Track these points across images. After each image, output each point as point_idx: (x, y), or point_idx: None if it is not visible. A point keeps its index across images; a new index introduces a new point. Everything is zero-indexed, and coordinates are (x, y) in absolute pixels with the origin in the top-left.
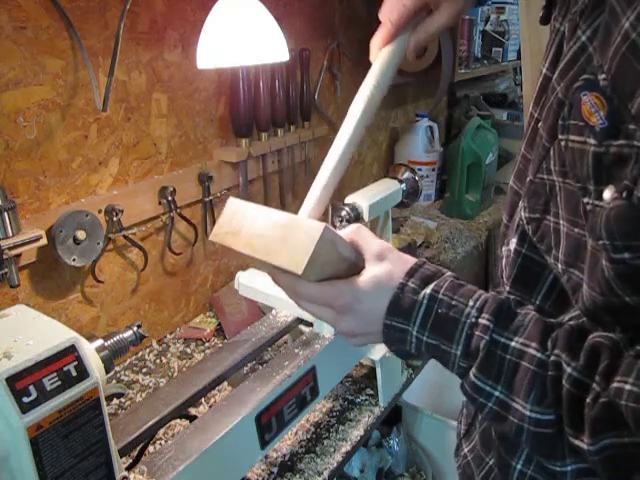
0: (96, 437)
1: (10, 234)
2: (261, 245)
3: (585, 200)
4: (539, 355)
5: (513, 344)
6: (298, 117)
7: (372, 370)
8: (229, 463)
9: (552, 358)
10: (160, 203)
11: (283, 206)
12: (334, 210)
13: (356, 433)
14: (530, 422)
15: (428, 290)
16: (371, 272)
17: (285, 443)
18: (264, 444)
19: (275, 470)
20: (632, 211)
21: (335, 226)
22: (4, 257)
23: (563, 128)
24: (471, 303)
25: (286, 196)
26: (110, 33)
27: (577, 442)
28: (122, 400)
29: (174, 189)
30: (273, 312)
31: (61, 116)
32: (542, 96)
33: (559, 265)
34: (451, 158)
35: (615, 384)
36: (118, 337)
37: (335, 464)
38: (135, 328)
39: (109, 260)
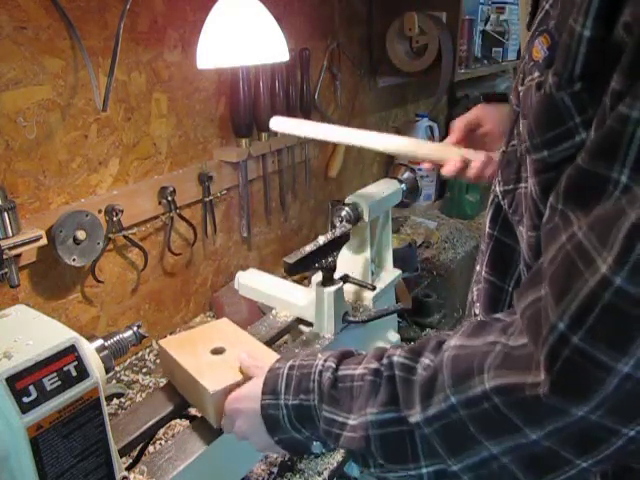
0: (96, 437)
1: (10, 234)
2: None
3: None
4: (374, 366)
5: (357, 372)
6: (298, 117)
7: None
8: (229, 463)
9: (384, 361)
10: (160, 203)
11: (283, 206)
12: (334, 210)
13: None
14: (373, 426)
15: (288, 364)
16: (242, 389)
17: None
18: None
19: (275, 470)
20: (543, 103)
21: (335, 226)
22: (4, 257)
23: (522, 80)
24: (319, 355)
25: (286, 196)
26: (110, 33)
27: (412, 419)
28: (122, 400)
29: (174, 189)
30: (273, 312)
31: (61, 116)
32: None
33: (527, 233)
34: None
35: (443, 346)
36: (118, 337)
37: (335, 464)
38: (135, 328)
39: (109, 260)
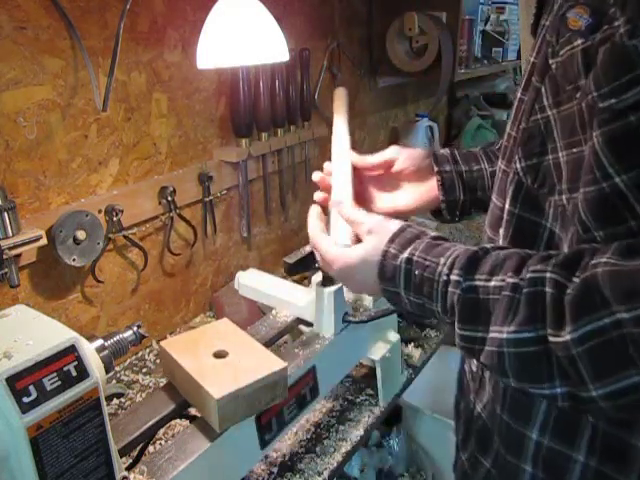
0: (96, 437)
1: (10, 234)
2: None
3: (578, 95)
4: (513, 281)
5: (492, 284)
6: (298, 117)
7: (372, 370)
8: (229, 463)
9: (528, 275)
10: (160, 203)
11: (283, 206)
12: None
13: (356, 433)
14: (509, 344)
15: (405, 254)
16: (357, 250)
17: (285, 443)
18: (264, 444)
19: (275, 470)
20: (613, 53)
21: None
22: (4, 257)
23: (553, 53)
24: (442, 261)
25: (286, 196)
26: (110, 33)
27: (560, 339)
28: (122, 400)
29: (174, 189)
30: (273, 312)
31: (61, 116)
32: (529, 81)
33: (564, 198)
34: None
35: (591, 262)
36: (118, 337)
37: (335, 464)
38: (135, 328)
39: (109, 260)
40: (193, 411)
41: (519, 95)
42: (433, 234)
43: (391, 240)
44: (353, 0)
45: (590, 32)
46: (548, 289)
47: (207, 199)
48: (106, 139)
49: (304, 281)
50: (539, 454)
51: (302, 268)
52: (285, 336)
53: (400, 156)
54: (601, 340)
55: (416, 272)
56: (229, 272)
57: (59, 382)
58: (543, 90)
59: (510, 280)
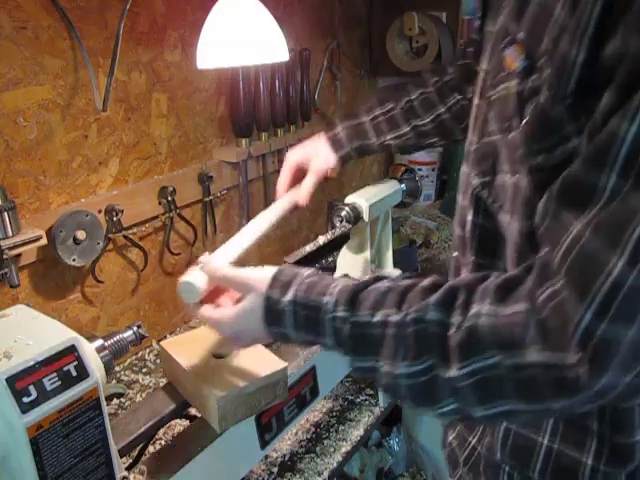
0: (96, 437)
1: (10, 234)
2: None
3: (511, 135)
4: (397, 318)
5: (375, 319)
6: (298, 117)
7: None
8: (229, 463)
9: (410, 316)
10: (160, 203)
11: None
12: (334, 210)
13: (356, 433)
14: (402, 377)
15: (288, 297)
16: (241, 304)
17: (285, 443)
18: (264, 444)
19: (275, 470)
20: (541, 113)
21: (335, 226)
22: (4, 257)
23: (490, 86)
24: (326, 299)
25: None
26: (110, 33)
27: (448, 374)
28: (122, 400)
29: (174, 189)
30: None
31: (61, 116)
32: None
33: (507, 217)
34: (451, 158)
35: (473, 310)
36: (118, 337)
37: (335, 464)
38: (135, 328)
39: (109, 260)
40: (193, 411)
41: (475, 101)
42: (308, 272)
43: (271, 285)
44: (353, 0)
45: (525, 75)
46: (431, 329)
47: (207, 199)
48: (106, 139)
49: None
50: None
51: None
52: None
53: (304, 158)
54: (483, 376)
55: (302, 313)
56: None
57: (59, 382)
58: (489, 116)
59: (394, 318)
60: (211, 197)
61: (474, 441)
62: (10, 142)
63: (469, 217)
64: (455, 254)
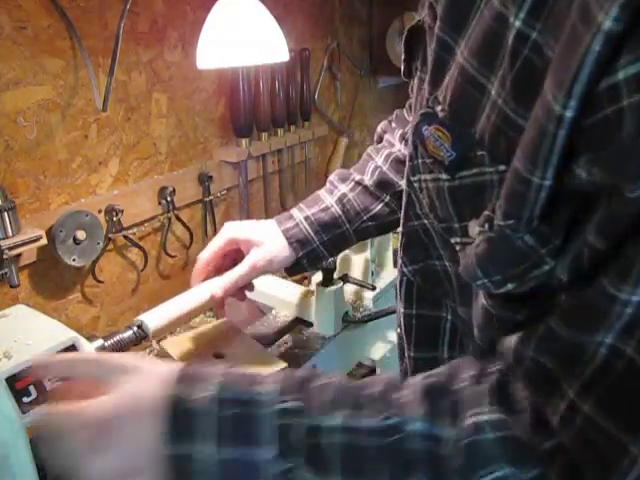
0: None
1: (10, 234)
2: None
3: (453, 240)
4: (367, 425)
5: (335, 423)
6: (298, 117)
7: (372, 370)
8: None
9: (389, 422)
10: (160, 203)
11: (283, 206)
12: None
13: None
14: None
15: (209, 392)
16: (99, 404)
17: None
18: None
19: None
20: (500, 241)
21: None
22: (4, 257)
23: (413, 168)
24: (264, 388)
25: (286, 196)
26: (110, 33)
27: None
28: None
29: (173, 189)
30: (273, 312)
31: (61, 116)
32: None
33: (458, 308)
34: None
35: (469, 420)
36: (118, 337)
37: None
38: (135, 328)
39: (109, 260)
40: None
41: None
42: (223, 365)
43: (179, 379)
44: (353, 0)
45: (456, 169)
46: (417, 443)
47: (207, 199)
48: (106, 139)
49: (304, 281)
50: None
51: (302, 268)
52: (285, 336)
53: (236, 237)
54: None
55: (230, 412)
56: None
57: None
58: (414, 198)
59: (365, 423)
60: (211, 197)
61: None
62: (10, 142)
63: (402, 311)
64: (398, 340)
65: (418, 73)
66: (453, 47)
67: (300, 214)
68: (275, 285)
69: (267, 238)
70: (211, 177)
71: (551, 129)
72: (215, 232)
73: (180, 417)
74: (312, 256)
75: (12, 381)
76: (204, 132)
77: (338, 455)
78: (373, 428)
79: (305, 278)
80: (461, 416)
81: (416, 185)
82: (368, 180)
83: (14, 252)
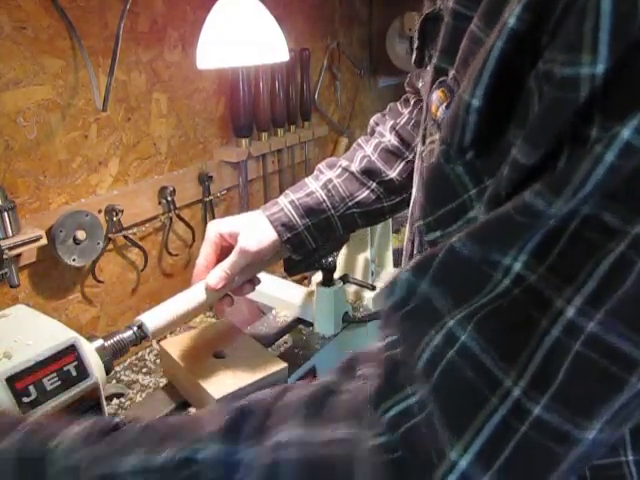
0: None
1: (10, 234)
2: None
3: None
4: (160, 460)
5: (128, 466)
6: (298, 117)
7: None
8: None
9: (179, 455)
10: (160, 203)
11: None
12: None
13: None
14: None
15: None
16: None
17: None
18: None
19: None
20: (435, 170)
21: None
22: (4, 257)
23: (424, 137)
24: (56, 440)
25: None
26: (110, 33)
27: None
28: (122, 400)
29: (174, 189)
30: (273, 312)
31: (61, 116)
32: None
33: None
34: None
35: (271, 440)
36: (118, 337)
37: None
38: (135, 328)
39: (109, 260)
40: (193, 411)
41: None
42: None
43: None
44: (353, 0)
45: None
46: (210, 470)
47: (207, 199)
48: (106, 139)
49: (304, 281)
50: None
51: (302, 268)
52: (285, 336)
53: (230, 232)
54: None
55: (29, 468)
56: None
57: (59, 382)
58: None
59: (157, 461)
60: (211, 197)
61: None
62: (10, 142)
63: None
64: None
65: (432, 60)
66: (469, 16)
67: (285, 199)
68: (275, 285)
69: (252, 225)
70: (211, 177)
71: (491, 43)
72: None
73: None
74: (297, 241)
75: (12, 381)
76: (204, 132)
77: None
78: (165, 465)
79: (305, 278)
80: (266, 433)
81: (424, 155)
82: (356, 167)
83: (14, 252)
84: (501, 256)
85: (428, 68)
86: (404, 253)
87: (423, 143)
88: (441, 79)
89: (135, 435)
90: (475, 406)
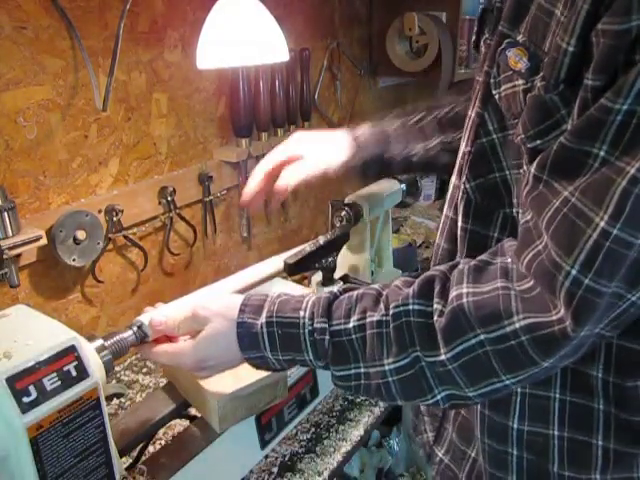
0: (96, 437)
1: (10, 234)
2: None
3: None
4: (375, 318)
5: (352, 324)
6: (298, 117)
7: None
8: (229, 463)
9: (392, 311)
10: (160, 203)
11: (283, 206)
12: (334, 210)
13: (356, 433)
14: (392, 374)
15: (263, 319)
16: (208, 330)
17: (285, 443)
18: (264, 444)
19: (275, 470)
20: (535, 103)
21: (335, 226)
22: (4, 257)
23: (495, 84)
24: (301, 314)
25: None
26: (110, 33)
27: (436, 359)
28: (122, 400)
29: (174, 189)
30: None
31: (61, 116)
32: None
33: (514, 210)
34: None
35: (453, 294)
36: (118, 337)
37: (335, 464)
38: (135, 328)
39: (109, 260)
40: (193, 411)
41: (470, 113)
42: (277, 292)
43: (242, 310)
44: (353, 0)
45: (530, 75)
46: (414, 319)
47: (207, 199)
48: (106, 139)
49: (304, 281)
50: (522, 438)
51: (302, 268)
52: None
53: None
54: (470, 356)
55: (279, 332)
56: (229, 272)
57: (59, 382)
58: (487, 116)
59: (373, 318)
60: (211, 197)
61: (473, 453)
62: (10, 142)
63: (459, 223)
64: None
65: (487, 42)
66: None
67: (365, 125)
68: (275, 285)
69: (331, 137)
70: (211, 177)
71: (580, 4)
72: (215, 232)
73: (246, 337)
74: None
75: (12, 381)
76: (204, 132)
77: (355, 348)
78: (377, 321)
79: (305, 278)
80: (448, 291)
81: (497, 96)
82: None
83: (14, 252)
84: (590, 147)
85: (482, 47)
86: (440, 227)
87: (495, 88)
88: (508, 40)
89: (352, 303)
90: (578, 234)
